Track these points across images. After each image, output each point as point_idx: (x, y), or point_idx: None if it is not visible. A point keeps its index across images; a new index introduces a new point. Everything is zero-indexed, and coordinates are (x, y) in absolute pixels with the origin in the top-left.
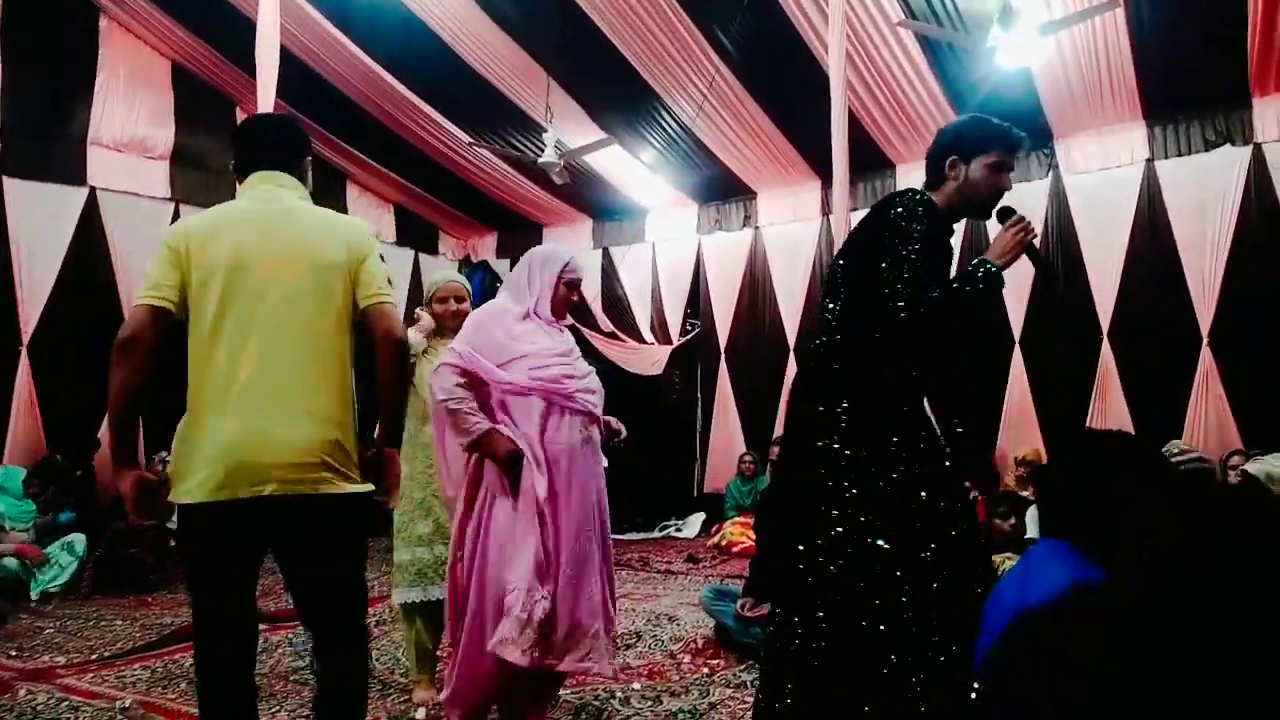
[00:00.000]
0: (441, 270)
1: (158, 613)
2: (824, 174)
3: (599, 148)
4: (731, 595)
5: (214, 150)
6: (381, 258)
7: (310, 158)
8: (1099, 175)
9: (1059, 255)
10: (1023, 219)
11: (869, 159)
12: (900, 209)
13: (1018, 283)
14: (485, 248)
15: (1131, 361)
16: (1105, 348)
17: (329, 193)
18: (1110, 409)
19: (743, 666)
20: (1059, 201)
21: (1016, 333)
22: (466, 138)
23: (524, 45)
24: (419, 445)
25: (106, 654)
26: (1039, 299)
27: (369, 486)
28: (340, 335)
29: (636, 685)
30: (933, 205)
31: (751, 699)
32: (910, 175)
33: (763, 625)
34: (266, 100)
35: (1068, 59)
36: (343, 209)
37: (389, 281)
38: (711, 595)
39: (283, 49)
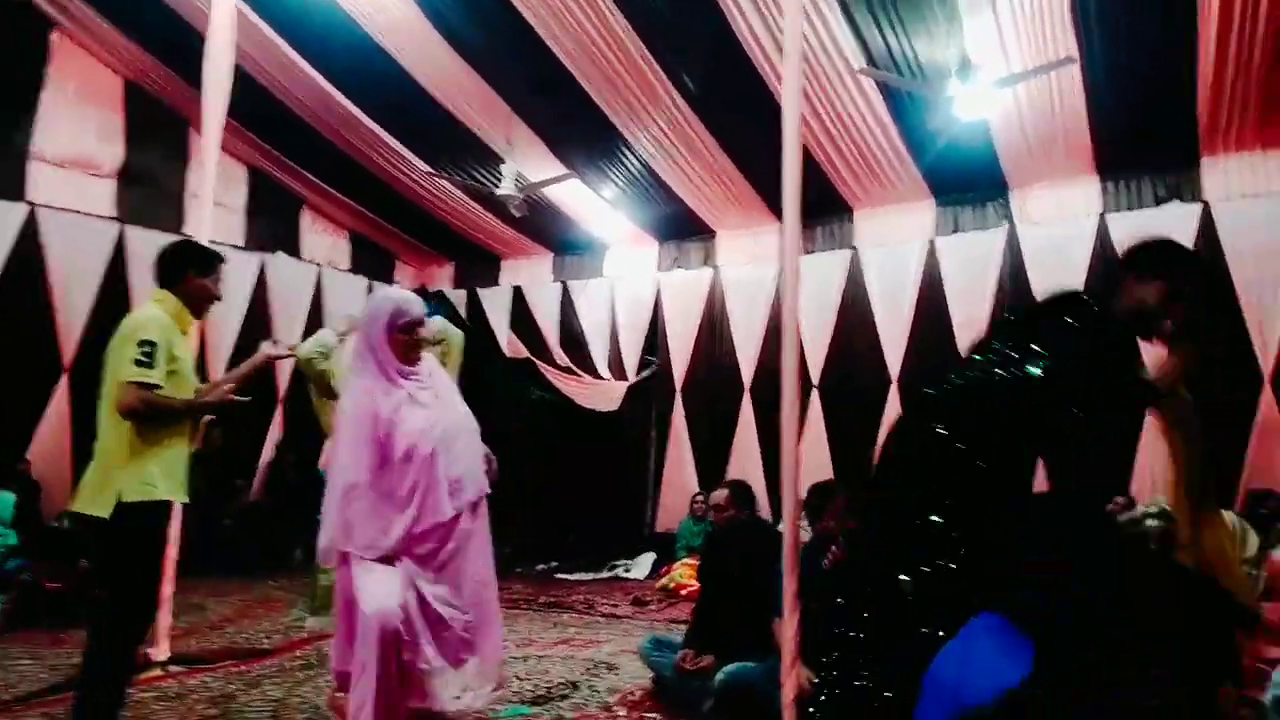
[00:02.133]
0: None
1: (69, 651)
2: (782, 216)
3: (559, 181)
4: (672, 646)
5: (166, 170)
6: (144, 343)
7: (211, 275)
8: (1054, 227)
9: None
10: None
11: (827, 203)
12: None
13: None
14: (442, 278)
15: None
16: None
17: (283, 218)
18: None
19: None
20: (1013, 252)
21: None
22: (425, 166)
23: (485, 76)
24: None
25: (5, 698)
26: None
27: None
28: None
29: None
30: None
31: None
32: (868, 220)
33: (702, 678)
34: (215, 121)
35: (1024, 112)
36: (295, 235)
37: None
38: (650, 645)
39: (240, 71)
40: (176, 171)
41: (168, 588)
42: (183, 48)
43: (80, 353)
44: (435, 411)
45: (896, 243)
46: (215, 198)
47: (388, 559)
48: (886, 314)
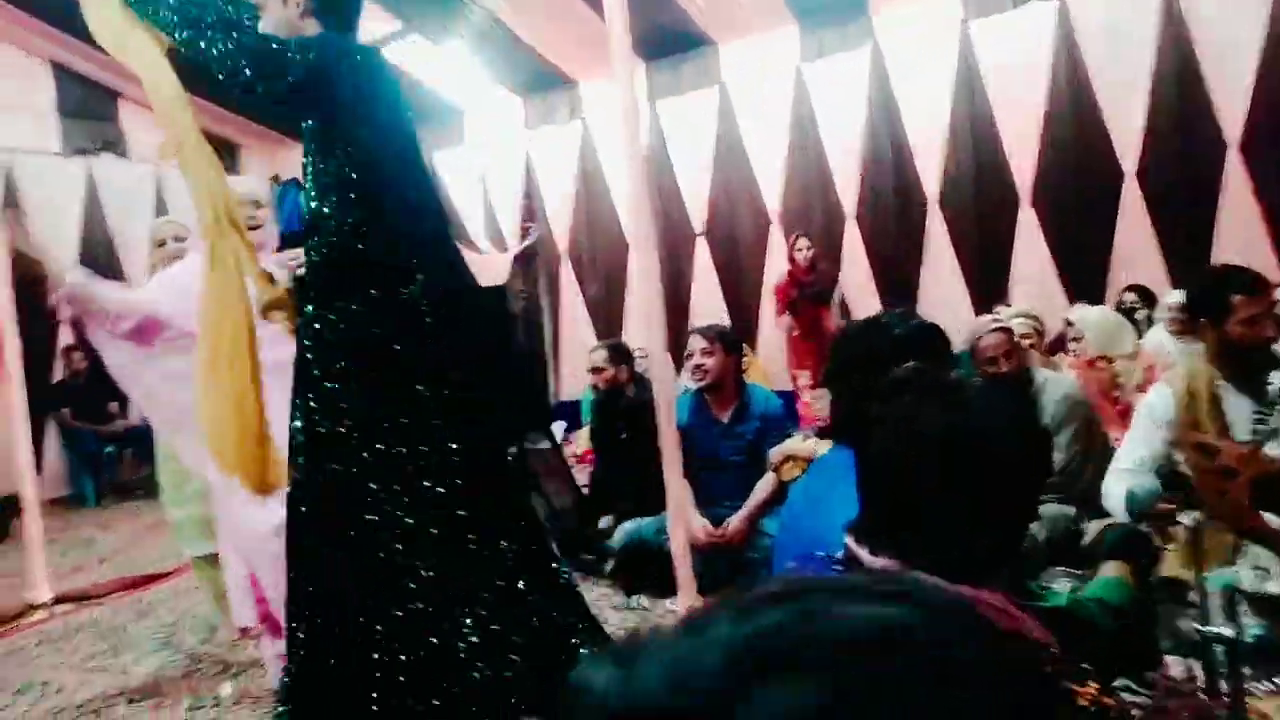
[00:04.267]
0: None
1: None
2: (646, 56)
3: (398, 39)
4: None
5: None
6: None
7: None
8: (916, 39)
9: (882, 126)
10: None
11: (688, 38)
12: None
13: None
14: (295, 163)
15: (957, 225)
16: (935, 215)
17: (100, 115)
18: (944, 282)
19: (583, 584)
20: (879, 71)
21: (849, 207)
22: None
23: None
24: None
25: None
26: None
27: None
28: None
29: None
30: None
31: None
32: (735, 52)
33: (602, 540)
34: None
35: None
36: (118, 134)
37: None
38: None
39: None
40: None
41: (35, 529)
42: None
43: None
44: None
45: (763, 74)
46: (16, 101)
47: None
48: (761, 152)
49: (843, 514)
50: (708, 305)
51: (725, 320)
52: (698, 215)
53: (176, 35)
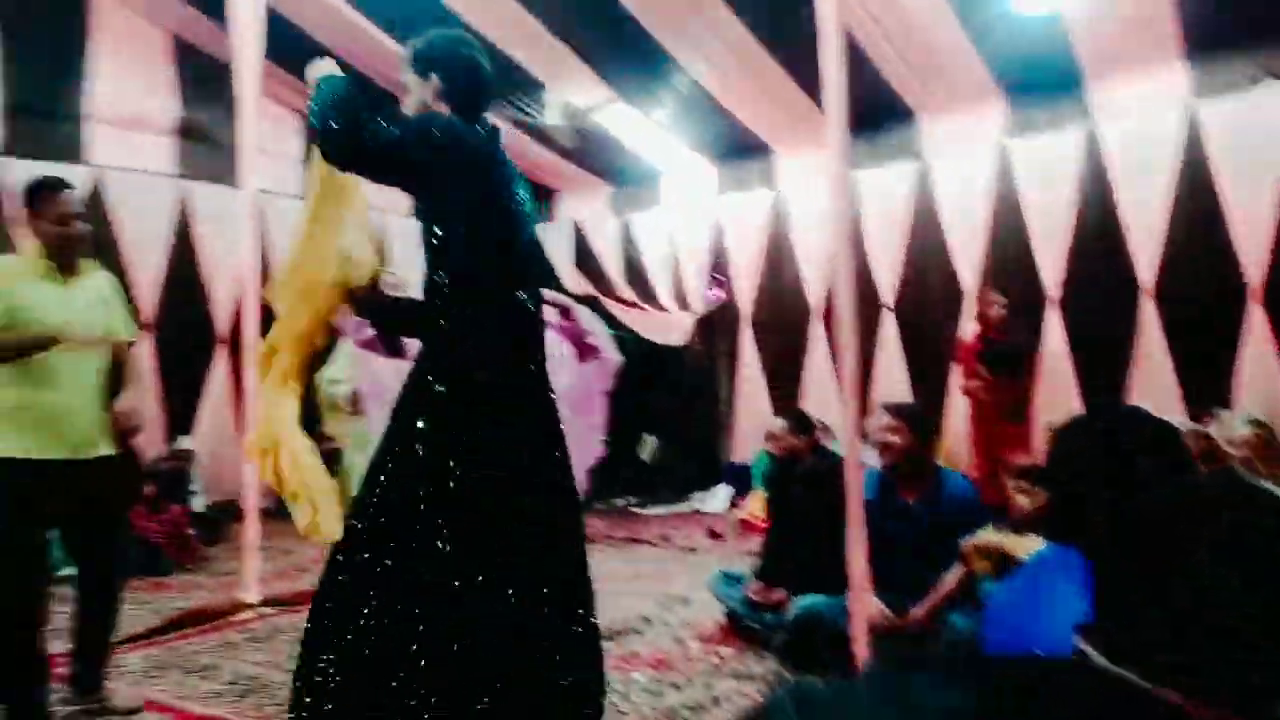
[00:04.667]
0: None
1: (170, 596)
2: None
3: (605, 107)
4: (742, 580)
5: (218, 123)
6: None
7: (43, 210)
8: (1137, 120)
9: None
10: None
11: (889, 110)
12: None
13: (1052, 233)
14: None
15: (1176, 320)
16: (1148, 306)
17: None
18: (1154, 374)
19: (753, 655)
20: (1092, 151)
21: (1053, 290)
22: None
23: (523, 1)
24: None
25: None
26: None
27: None
28: None
29: (639, 676)
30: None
31: (756, 692)
32: (936, 125)
33: (775, 612)
34: (251, 67)
35: None
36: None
37: None
38: (720, 579)
39: (273, 13)
40: (229, 123)
41: (252, 533)
42: None
43: (160, 312)
44: None
45: (965, 149)
46: (266, 146)
47: None
48: (958, 227)
49: (1063, 614)
50: (892, 381)
51: (908, 397)
52: (887, 287)
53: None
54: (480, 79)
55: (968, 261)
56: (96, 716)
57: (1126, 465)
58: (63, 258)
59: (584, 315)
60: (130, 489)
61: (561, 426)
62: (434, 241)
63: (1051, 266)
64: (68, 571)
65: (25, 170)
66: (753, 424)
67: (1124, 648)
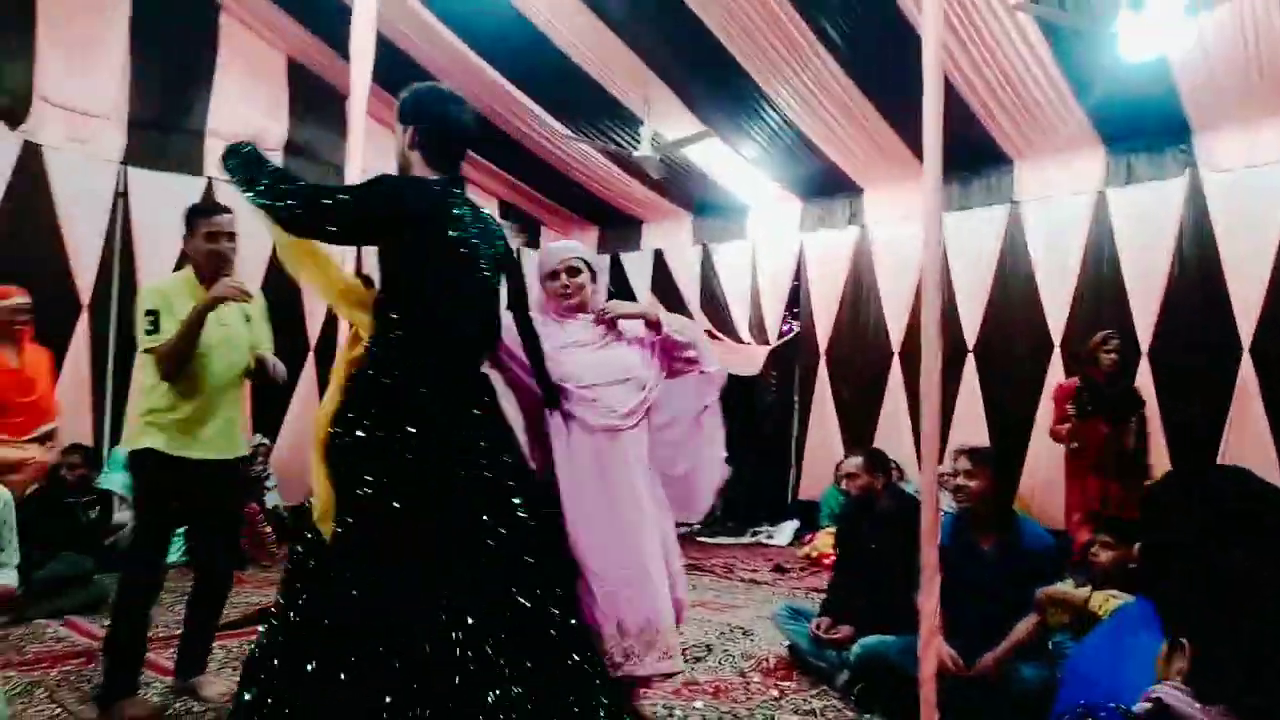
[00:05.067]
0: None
1: (247, 591)
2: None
3: (697, 140)
4: (807, 615)
5: (326, 143)
6: (147, 313)
7: (198, 233)
8: (1244, 173)
9: (1194, 260)
10: None
11: (983, 154)
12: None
13: (1148, 284)
14: (586, 243)
15: (1277, 380)
16: (1246, 363)
17: None
18: (1249, 432)
19: (814, 691)
20: (1196, 203)
21: (1146, 341)
22: (565, 130)
23: (621, 34)
24: None
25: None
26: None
27: None
28: None
29: (699, 704)
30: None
31: None
32: (1031, 171)
33: (837, 649)
34: (360, 91)
35: (1208, 40)
36: None
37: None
38: (785, 613)
39: (384, 40)
40: (337, 144)
41: None
42: (336, 22)
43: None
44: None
45: (1060, 196)
46: (371, 169)
47: None
48: (1049, 274)
49: (1146, 666)
50: (969, 427)
51: (986, 443)
52: (970, 330)
53: (246, 191)
54: (449, 131)
55: (1056, 309)
56: (190, 701)
57: (1225, 522)
58: (211, 274)
59: (679, 325)
60: (246, 487)
61: (510, 462)
62: (384, 284)
63: (1145, 317)
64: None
65: (144, 179)
66: (822, 461)
67: (1212, 696)
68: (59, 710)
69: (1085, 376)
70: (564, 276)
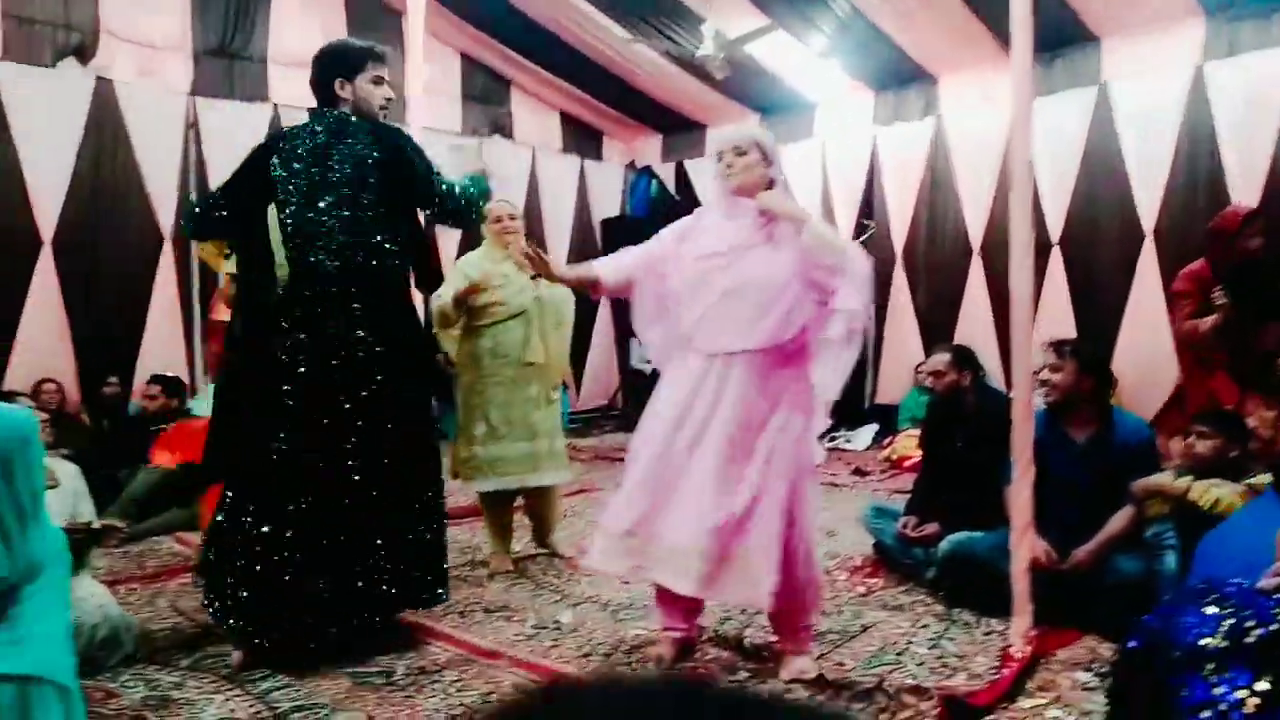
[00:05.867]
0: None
1: None
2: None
3: (761, 35)
4: (893, 514)
5: (389, 63)
6: None
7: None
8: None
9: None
10: None
11: (1067, 32)
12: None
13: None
14: (649, 151)
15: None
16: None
17: (495, 100)
18: None
19: (901, 589)
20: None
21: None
22: (624, 33)
23: None
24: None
25: None
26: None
27: None
28: None
29: None
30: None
31: (905, 623)
32: (1120, 48)
33: (924, 547)
34: (418, 4)
35: None
36: (509, 118)
37: None
38: (872, 513)
39: None
40: (399, 63)
41: None
42: None
43: None
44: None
45: (1153, 73)
46: (434, 86)
47: None
48: (1141, 160)
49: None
50: (1055, 322)
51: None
52: (1055, 223)
53: None
54: (315, 73)
55: (1148, 197)
56: None
57: None
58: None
59: (823, 241)
60: None
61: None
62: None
63: (1246, 200)
64: None
65: (212, 109)
66: (900, 364)
67: None
68: (180, 618)
69: (1218, 263)
70: (728, 156)
